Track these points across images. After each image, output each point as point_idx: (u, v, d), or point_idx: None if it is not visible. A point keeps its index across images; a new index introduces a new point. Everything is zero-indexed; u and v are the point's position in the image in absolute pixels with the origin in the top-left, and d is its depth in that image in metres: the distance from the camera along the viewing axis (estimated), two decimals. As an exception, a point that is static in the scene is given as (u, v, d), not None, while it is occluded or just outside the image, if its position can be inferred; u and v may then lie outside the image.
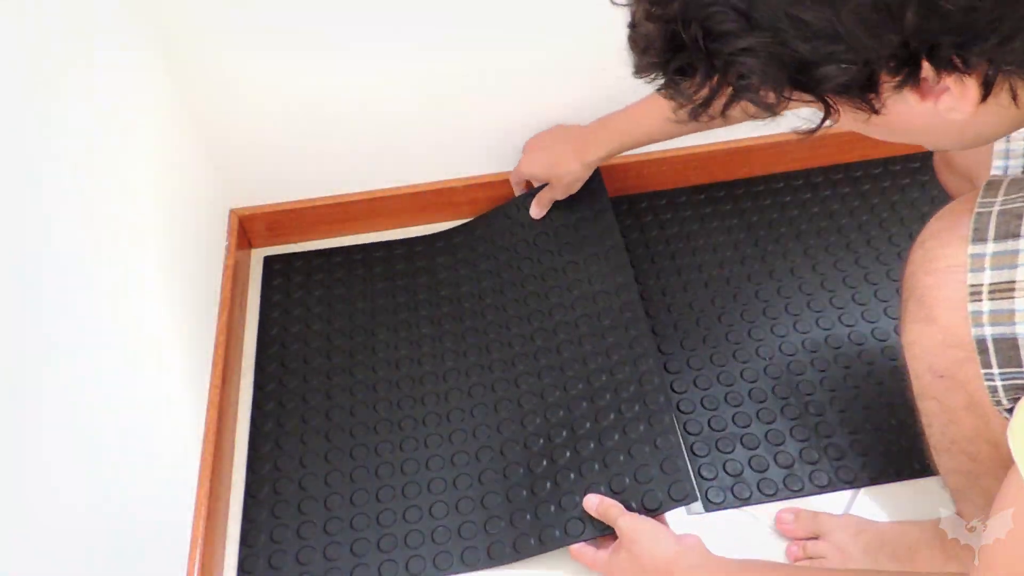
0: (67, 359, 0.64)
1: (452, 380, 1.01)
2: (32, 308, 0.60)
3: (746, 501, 0.88)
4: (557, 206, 1.12)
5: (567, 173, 1.06)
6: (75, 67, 0.74)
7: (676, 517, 0.87)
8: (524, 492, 0.89)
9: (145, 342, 0.80)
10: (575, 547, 0.83)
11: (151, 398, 0.79)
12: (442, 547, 0.87)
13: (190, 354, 0.92)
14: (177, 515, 0.81)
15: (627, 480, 0.85)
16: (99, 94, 0.78)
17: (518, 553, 0.85)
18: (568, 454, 0.91)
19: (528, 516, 0.87)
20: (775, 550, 0.85)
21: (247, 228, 1.17)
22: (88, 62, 0.77)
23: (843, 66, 0.48)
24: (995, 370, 0.58)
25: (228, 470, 0.94)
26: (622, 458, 0.87)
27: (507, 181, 1.16)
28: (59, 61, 0.71)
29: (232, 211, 1.15)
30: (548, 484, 0.89)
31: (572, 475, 0.88)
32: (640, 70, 0.53)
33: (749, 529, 0.87)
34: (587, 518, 0.84)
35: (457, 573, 0.86)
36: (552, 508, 0.87)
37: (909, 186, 1.18)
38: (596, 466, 0.88)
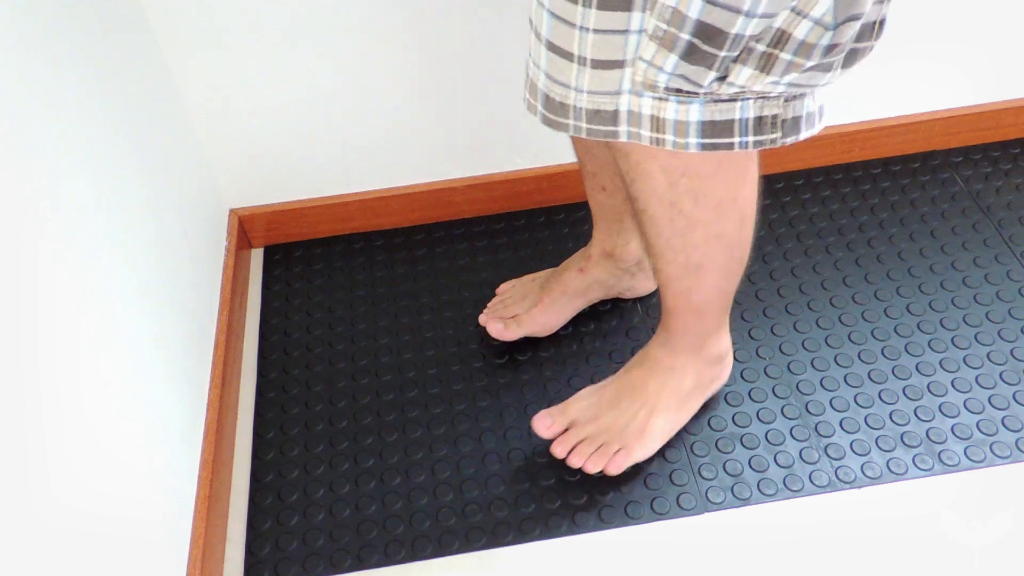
0: (66, 359, 0.64)
1: (455, 366, 1.02)
2: (31, 308, 0.60)
3: (746, 501, 0.88)
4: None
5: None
6: (74, 67, 0.74)
7: (677, 518, 0.88)
8: (528, 483, 0.91)
9: (145, 342, 0.80)
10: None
11: (151, 398, 0.79)
12: (446, 528, 0.88)
13: (190, 354, 0.92)
14: (177, 515, 0.81)
15: (637, 487, 0.89)
16: (98, 94, 0.78)
17: (524, 536, 0.87)
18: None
19: (533, 504, 0.89)
20: (775, 550, 0.85)
21: (247, 228, 1.17)
22: (88, 62, 0.77)
23: None
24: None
25: (228, 470, 0.94)
26: (631, 466, 0.89)
27: (506, 181, 1.16)
28: (60, 60, 0.71)
29: (232, 211, 1.15)
30: (553, 478, 0.91)
31: (577, 474, 0.90)
32: None
33: (749, 529, 0.87)
34: (592, 511, 0.87)
35: (461, 553, 0.86)
36: (558, 500, 0.89)
37: (909, 186, 1.17)
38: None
